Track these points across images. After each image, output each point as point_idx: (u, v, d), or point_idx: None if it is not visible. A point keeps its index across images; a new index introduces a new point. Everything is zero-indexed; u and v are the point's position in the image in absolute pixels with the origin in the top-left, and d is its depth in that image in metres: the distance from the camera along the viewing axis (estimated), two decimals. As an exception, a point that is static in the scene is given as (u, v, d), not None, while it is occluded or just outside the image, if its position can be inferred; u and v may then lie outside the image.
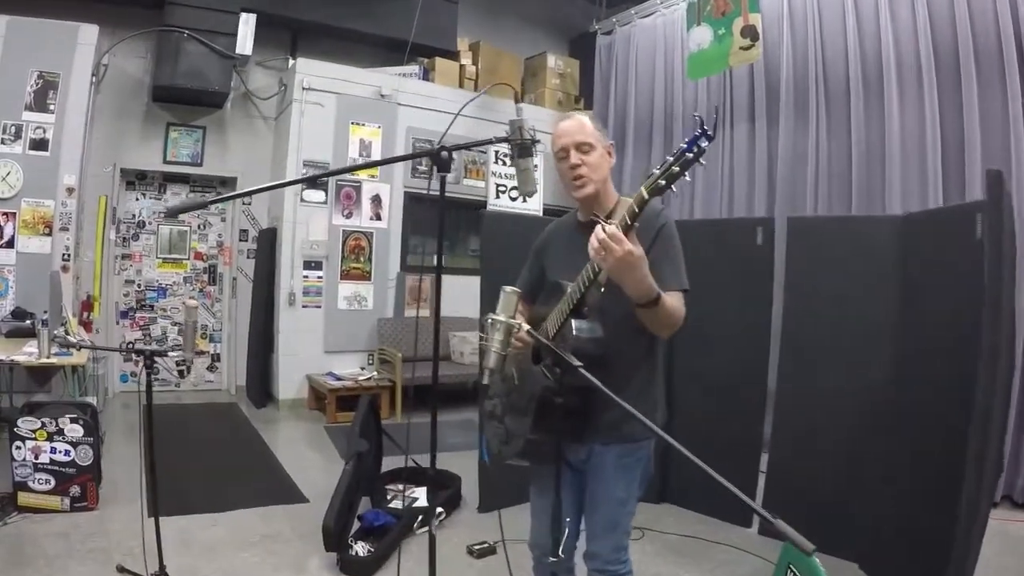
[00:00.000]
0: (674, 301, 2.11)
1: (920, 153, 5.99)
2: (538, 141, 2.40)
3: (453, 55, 8.58)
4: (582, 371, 1.79)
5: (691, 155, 1.72)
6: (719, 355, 4.61)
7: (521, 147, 2.40)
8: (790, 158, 6.88)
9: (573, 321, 2.11)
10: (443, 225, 2.50)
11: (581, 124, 2.37)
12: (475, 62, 8.67)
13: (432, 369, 2.25)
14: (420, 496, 4.41)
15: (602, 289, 2.07)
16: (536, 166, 2.47)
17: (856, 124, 6.41)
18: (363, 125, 7.71)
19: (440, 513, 4.24)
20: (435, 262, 2.31)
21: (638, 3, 8.43)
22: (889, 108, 6.18)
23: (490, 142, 2.51)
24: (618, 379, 1.87)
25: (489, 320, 2.08)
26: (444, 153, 2.36)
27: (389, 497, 4.45)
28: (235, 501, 4.50)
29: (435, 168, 2.32)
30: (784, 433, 4.45)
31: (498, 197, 8.30)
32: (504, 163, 8.27)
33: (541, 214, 7.66)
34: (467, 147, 2.58)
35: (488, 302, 4.23)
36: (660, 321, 2.09)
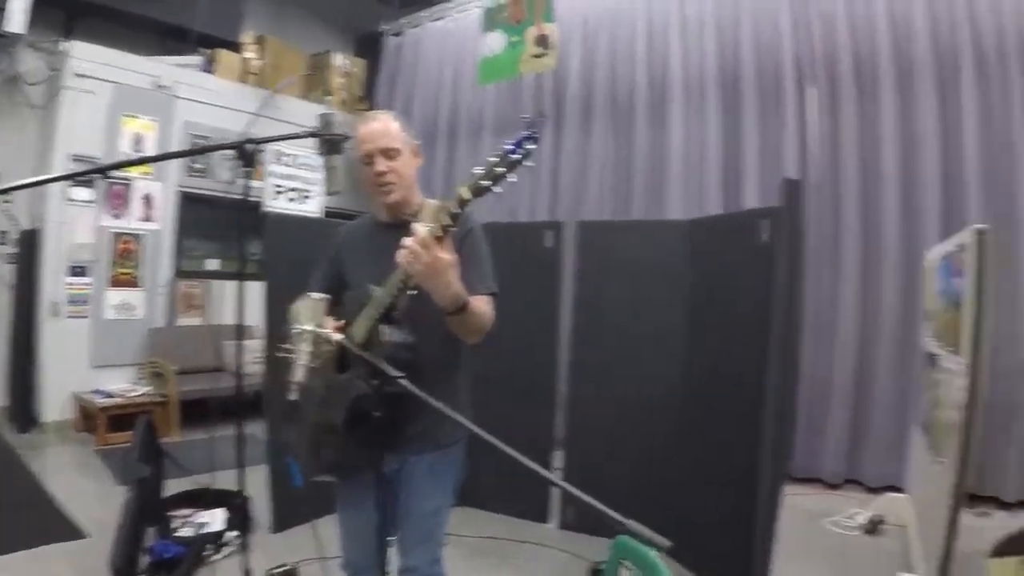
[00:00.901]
0: (482, 306, 2.09)
1: (701, 165, 6.46)
2: (348, 137, 2.29)
3: (237, 47, 8.07)
4: (403, 382, 1.74)
5: (517, 156, 1.68)
6: (511, 357, 4.57)
7: (331, 143, 2.28)
8: (574, 165, 7.15)
9: (384, 328, 2.01)
10: (240, 228, 2.29)
11: (387, 127, 2.28)
12: (261, 56, 8.22)
13: (234, 380, 2.12)
14: (210, 521, 4.07)
15: (413, 293, 1.98)
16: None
17: (640, 135, 6.77)
18: (137, 117, 7.05)
19: (234, 537, 3.95)
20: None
21: (430, 5, 8.36)
22: (673, 122, 6.59)
23: (300, 136, 2.35)
24: (430, 384, 1.79)
25: (295, 330, 1.95)
26: (249, 147, 2.17)
27: (176, 525, 4.06)
28: (3, 544, 3.91)
29: (241, 163, 2.13)
30: (578, 433, 4.60)
31: (276, 198, 7.94)
32: (284, 163, 7.94)
33: (323, 216, 7.43)
34: (276, 140, 2.38)
35: (274, 309, 4.03)
36: (468, 327, 2.08)
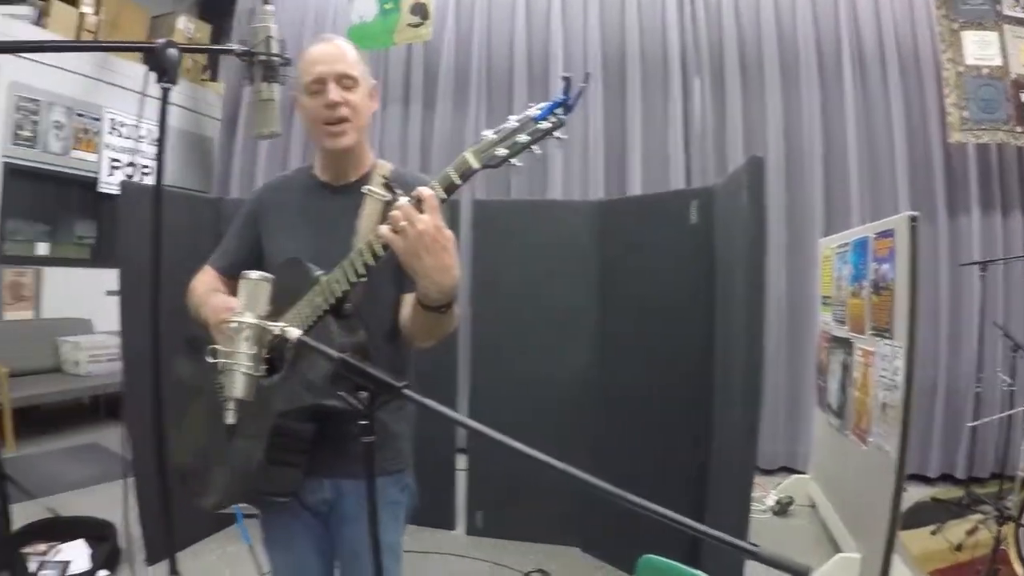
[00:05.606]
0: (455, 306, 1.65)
1: (583, 147, 6.44)
2: (289, 61, 1.76)
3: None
4: (408, 393, 1.26)
5: (545, 125, 1.33)
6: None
7: (267, 68, 1.74)
8: (446, 144, 6.78)
9: (334, 322, 1.57)
10: (162, 169, 1.69)
11: (343, 51, 1.75)
12: (98, 12, 7.15)
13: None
14: (74, 556, 3.31)
15: (364, 280, 1.55)
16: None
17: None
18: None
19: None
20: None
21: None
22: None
23: (227, 51, 1.79)
24: None
25: (234, 323, 1.39)
26: (173, 51, 1.57)
27: (33, 567, 3.25)
28: None
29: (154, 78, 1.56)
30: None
31: (112, 174, 7.02)
32: (121, 135, 7.06)
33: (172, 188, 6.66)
34: (199, 51, 1.79)
35: (130, 303, 3.42)
36: (441, 329, 1.67)
